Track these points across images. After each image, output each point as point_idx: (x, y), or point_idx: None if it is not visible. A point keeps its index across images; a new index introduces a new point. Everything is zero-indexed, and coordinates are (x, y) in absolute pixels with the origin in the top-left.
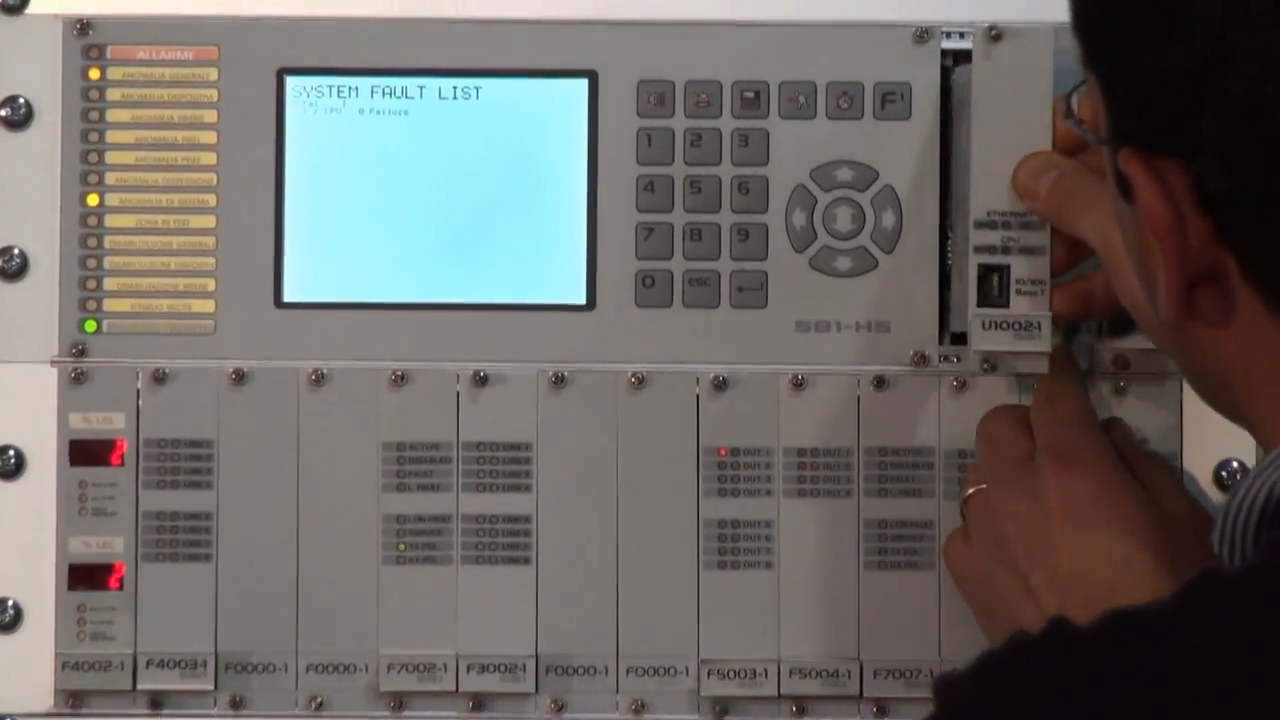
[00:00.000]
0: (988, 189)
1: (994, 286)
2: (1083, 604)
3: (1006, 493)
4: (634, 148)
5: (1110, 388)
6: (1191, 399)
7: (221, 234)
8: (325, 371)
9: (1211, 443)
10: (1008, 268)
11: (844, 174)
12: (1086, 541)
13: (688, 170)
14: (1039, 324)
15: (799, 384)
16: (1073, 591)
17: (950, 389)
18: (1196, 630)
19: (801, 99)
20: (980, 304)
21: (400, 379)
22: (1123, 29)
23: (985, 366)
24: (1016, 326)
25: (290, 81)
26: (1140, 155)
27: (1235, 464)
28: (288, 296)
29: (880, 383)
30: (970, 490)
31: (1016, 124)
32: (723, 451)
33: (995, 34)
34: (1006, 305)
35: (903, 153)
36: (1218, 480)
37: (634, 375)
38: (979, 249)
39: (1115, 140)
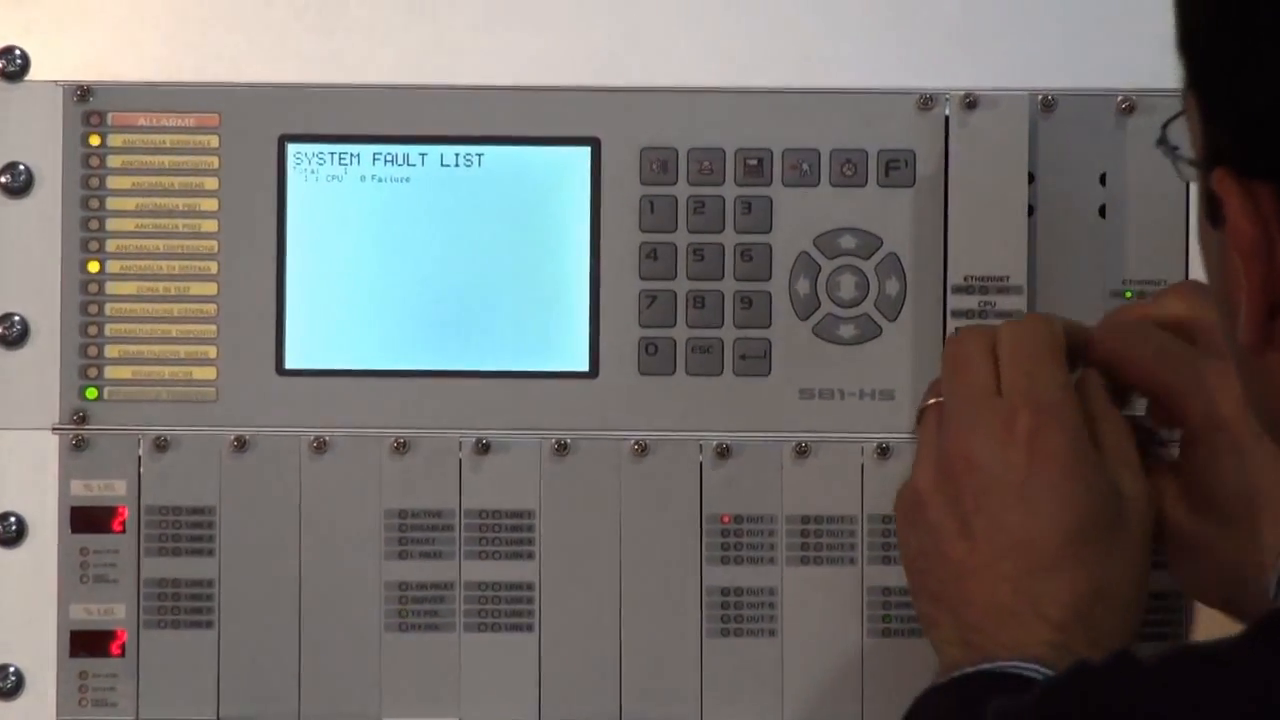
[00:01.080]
0: (964, 253)
1: None
2: (1020, 570)
3: (967, 423)
4: (637, 215)
5: None
6: None
7: (223, 300)
8: (327, 439)
9: None
10: None
11: (847, 241)
12: (1042, 502)
13: (690, 238)
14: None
15: (802, 452)
16: (1015, 552)
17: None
18: (1266, 672)
19: (805, 166)
20: None
21: (402, 446)
22: (1225, 49)
23: None
24: None
25: (291, 148)
26: (1234, 176)
27: None
28: (289, 363)
29: (884, 451)
30: (930, 401)
31: (992, 189)
32: (726, 519)
33: (970, 101)
34: None
35: (906, 219)
36: None
37: (637, 443)
38: (956, 314)
39: (1210, 161)
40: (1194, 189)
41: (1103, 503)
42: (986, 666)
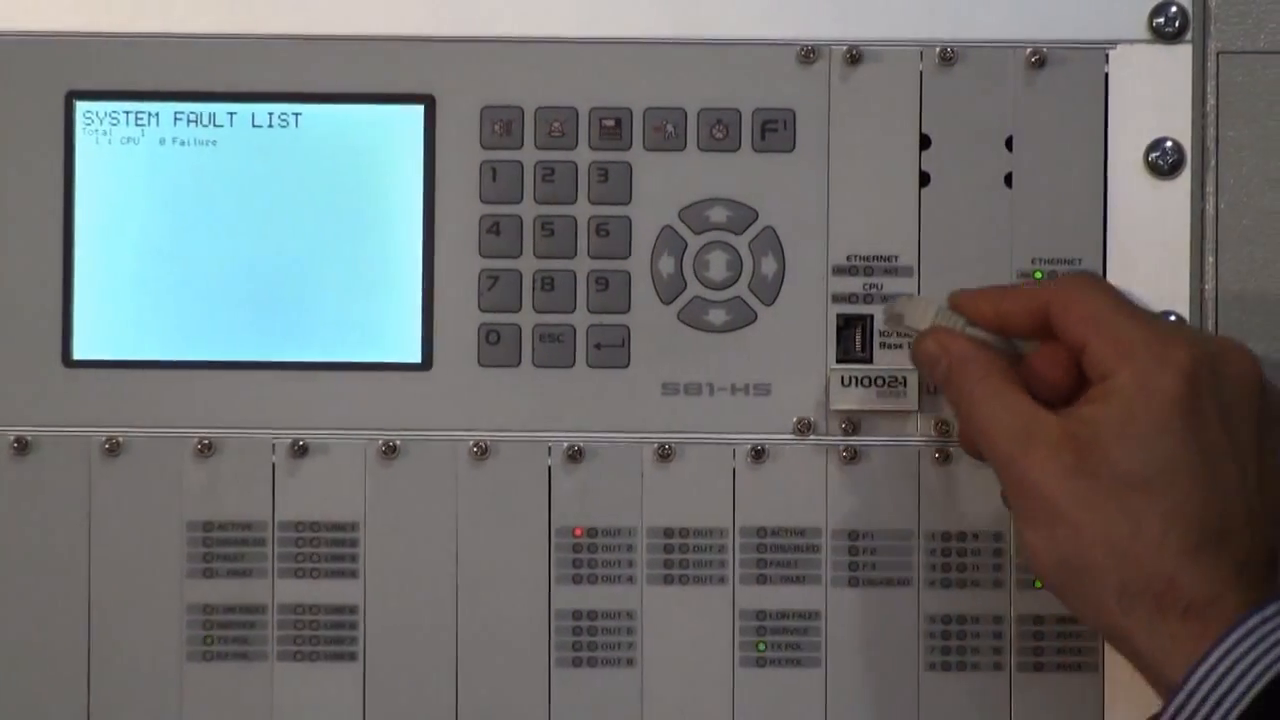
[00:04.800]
0: (849, 229)
1: (855, 339)
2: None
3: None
4: (476, 183)
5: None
6: None
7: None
8: (121, 439)
9: None
10: (870, 318)
11: (718, 214)
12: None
13: (538, 209)
14: (905, 380)
15: (666, 455)
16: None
17: (840, 460)
18: None
19: (669, 128)
20: (839, 359)
21: (207, 448)
22: None
23: (845, 427)
24: (880, 383)
25: (80, 107)
26: None
27: None
28: (77, 354)
29: (759, 453)
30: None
31: (881, 156)
32: (578, 532)
33: (855, 54)
34: (869, 360)
35: (785, 190)
36: None
37: (476, 445)
38: (837, 298)
39: None
40: (1112, 152)
41: None
42: None
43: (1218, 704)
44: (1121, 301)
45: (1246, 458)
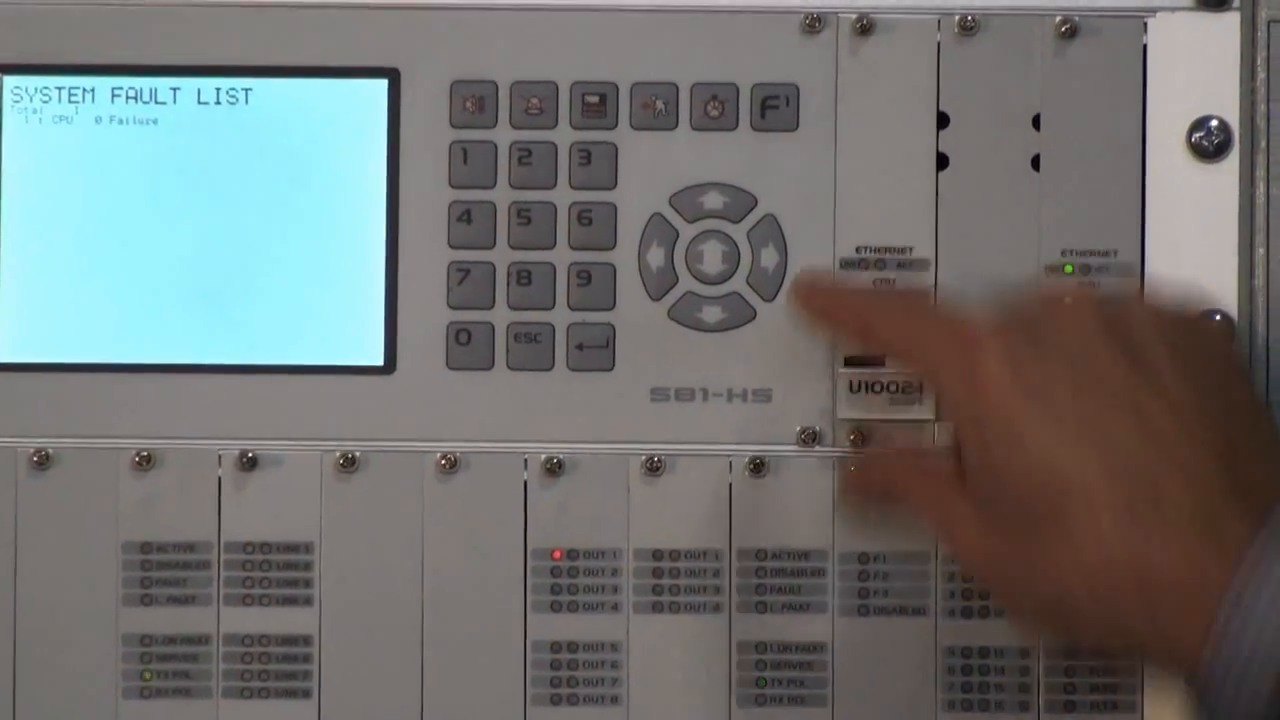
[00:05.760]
0: (855, 219)
1: None
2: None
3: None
4: (445, 166)
5: None
6: None
7: None
8: (50, 451)
9: None
10: None
11: (713, 200)
12: None
13: (514, 195)
14: (920, 385)
15: (655, 468)
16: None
17: (848, 474)
18: None
19: (659, 105)
20: (848, 362)
21: (146, 461)
22: None
23: (854, 438)
24: (893, 389)
25: (8, 82)
26: None
27: None
28: (1, 356)
29: (758, 466)
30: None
31: (895, 136)
32: (557, 554)
33: (865, 24)
34: (881, 363)
35: (788, 174)
36: None
37: (444, 456)
38: None
39: None
40: (1151, 132)
41: None
42: None
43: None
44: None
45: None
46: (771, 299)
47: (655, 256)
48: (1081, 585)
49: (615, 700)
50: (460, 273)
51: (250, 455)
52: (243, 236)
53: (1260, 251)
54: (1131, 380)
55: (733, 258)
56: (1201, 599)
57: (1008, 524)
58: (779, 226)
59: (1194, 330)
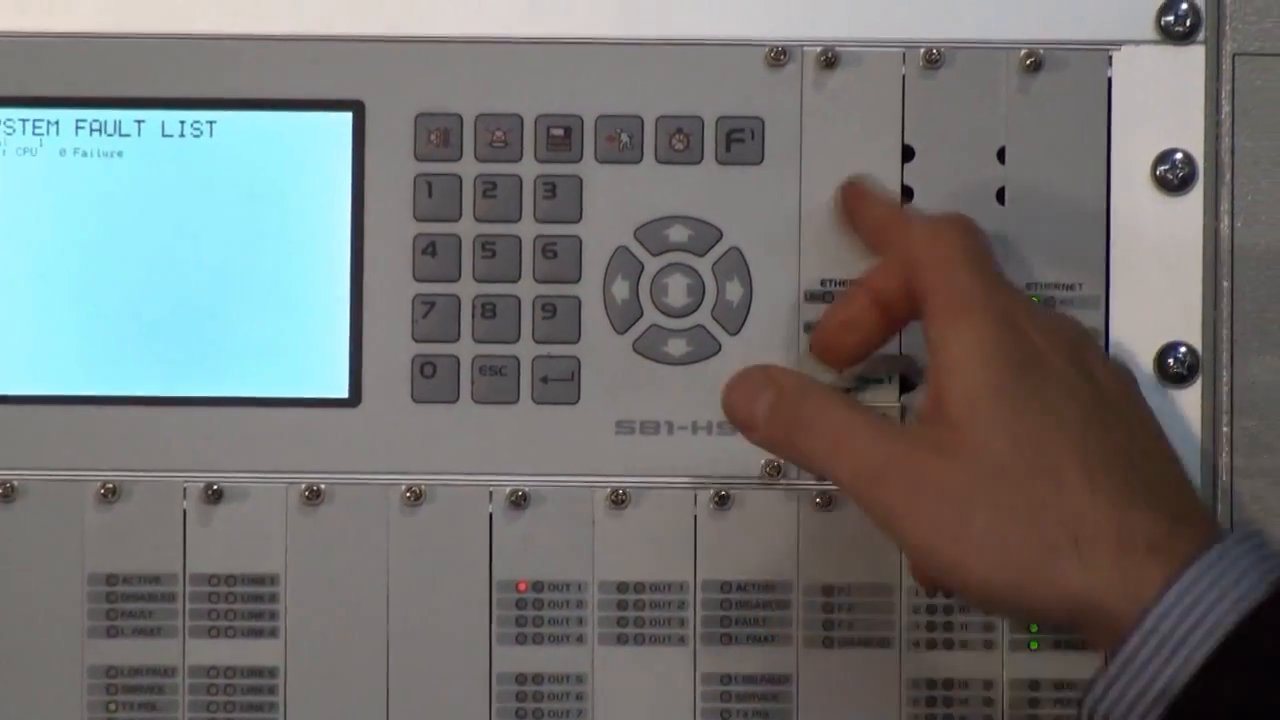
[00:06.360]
0: (820, 251)
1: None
2: None
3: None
4: (410, 199)
5: None
6: None
7: None
8: (15, 484)
9: None
10: None
11: (678, 233)
12: None
13: (479, 228)
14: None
15: (620, 501)
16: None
17: (813, 507)
18: None
19: (624, 137)
20: None
21: (111, 493)
22: None
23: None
24: None
25: None
26: None
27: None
28: None
29: (723, 500)
30: None
31: (859, 169)
32: (523, 586)
33: (829, 58)
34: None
35: (753, 207)
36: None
37: (409, 489)
38: (810, 327)
39: None
40: (1116, 165)
41: None
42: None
43: (1179, 644)
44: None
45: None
46: (736, 332)
47: (620, 289)
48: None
49: None
50: (425, 305)
51: (215, 487)
52: (208, 269)
53: (1224, 284)
54: (1092, 391)
55: (697, 290)
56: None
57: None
58: (744, 259)
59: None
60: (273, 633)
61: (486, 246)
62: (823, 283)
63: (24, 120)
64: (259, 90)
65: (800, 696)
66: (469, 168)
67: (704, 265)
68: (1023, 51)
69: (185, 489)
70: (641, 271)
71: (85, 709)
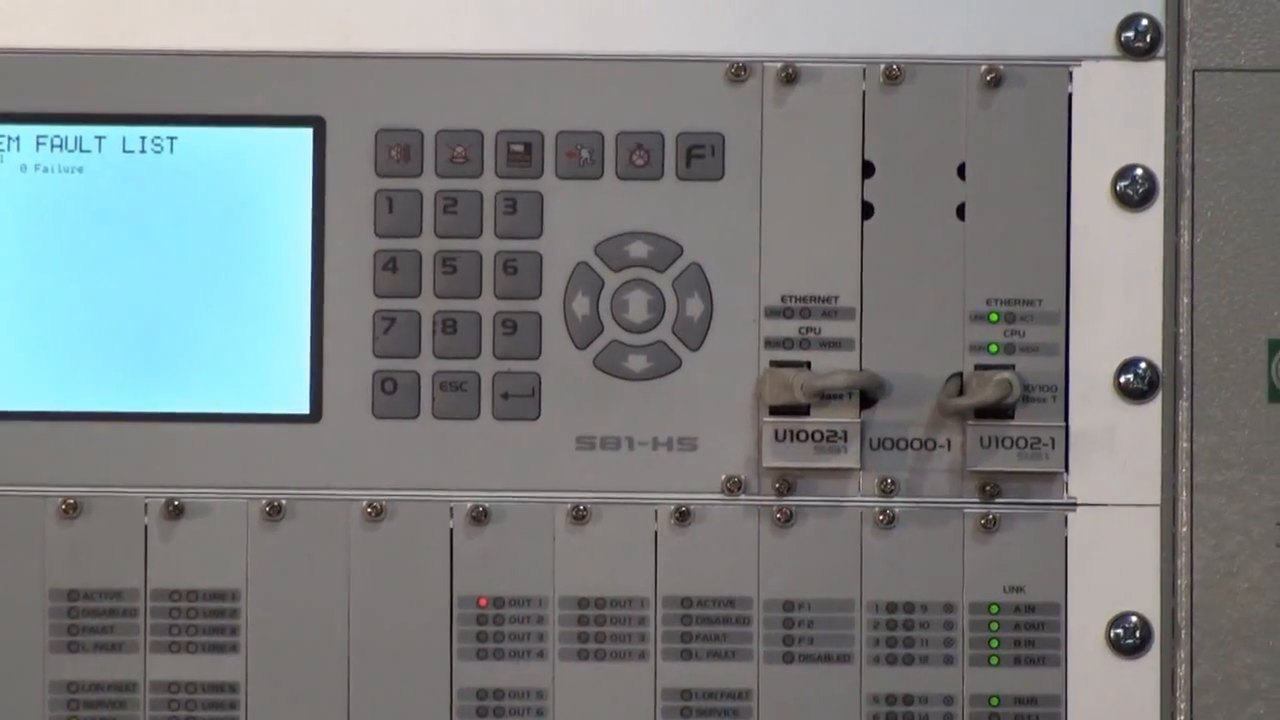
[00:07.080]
0: (781, 268)
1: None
2: None
3: None
4: (370, 215)
5: (975, 524)
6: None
7: None
8: None
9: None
10: (807, 365)
11: (638, 249)
12: None
13: (439, 244)
14: (845, 434)
15: (580, 516)
16: None
17: (773, 523)
18: None
19: (585, 153)
20: (772, 411)
21: (72, 509)
22: None
23: (779, 486)
24: (818, 438)
25: None
26: None
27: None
28: None
29: (683, 515)
30: None
31: (820, 185)
32: (483, 602)
33: (789, 74)
34: (806, 412)
35: (713, 223)
36: None
37: (370, 505)
38: (771, 343)
39: None
40: (1076, 181)
41: None
42: None
43: None
44: None
45: None
46: (697, 348)
47: (580, 305)
48: None
49: None
50: (386, 321)
51: (176, 503)
52: (168, 285)
53: (1185, 300)
54: None
55: (658, 306)
56: None
57: None
58: (704, 275)
59: None
60: (234, 648)
61: (447, 262)
62: (783, 298)
63: None
64: (219, 106)
65: (761, 712)
66: (429, 183)
67: (664, 281)
68: (983, 67)
69: (146, 504)
70: (602, 287)
71: None
